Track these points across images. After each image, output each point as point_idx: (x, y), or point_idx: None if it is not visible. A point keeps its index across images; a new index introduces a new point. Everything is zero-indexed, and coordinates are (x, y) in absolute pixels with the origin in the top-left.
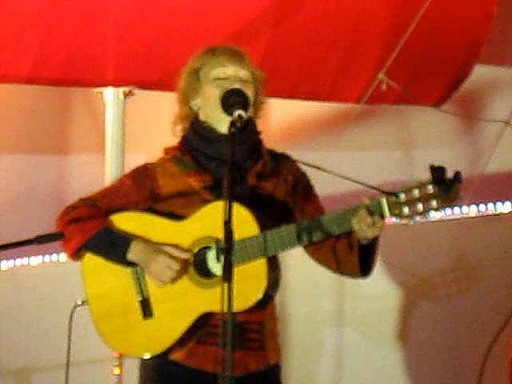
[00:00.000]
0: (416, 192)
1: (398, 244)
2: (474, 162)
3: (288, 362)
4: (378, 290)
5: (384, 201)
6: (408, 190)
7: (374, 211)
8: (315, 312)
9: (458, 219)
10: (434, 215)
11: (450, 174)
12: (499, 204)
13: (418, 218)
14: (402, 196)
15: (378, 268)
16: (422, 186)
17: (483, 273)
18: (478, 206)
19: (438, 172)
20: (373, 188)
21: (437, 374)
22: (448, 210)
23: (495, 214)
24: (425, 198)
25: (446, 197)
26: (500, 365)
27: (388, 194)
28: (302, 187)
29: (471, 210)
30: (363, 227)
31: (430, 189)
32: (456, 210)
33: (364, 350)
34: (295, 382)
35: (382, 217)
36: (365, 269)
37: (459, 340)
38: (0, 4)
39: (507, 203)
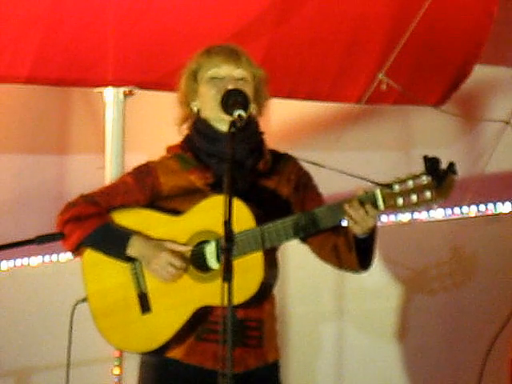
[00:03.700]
0: (410, 183)
1: (398, 244)
2: (474, 162)
3: (288, 360)
4: (378, 287)
5: (378, 192)
6: (402, 181)
7: (367, 202)
8: (315, 309)
9: (458, 219)
10: (436, 214)
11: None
12: (499, 204)
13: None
14: (396, 187)
15: (379, 266)
16: (415, 177)
17: (483, 272)
18: (477, 206)
19: (431, 163)
20: (367, 180)
21: (437, 374)
22: (448, 210)
23: (495, 214)
24: (419, 189)
25: (440, 188)
26: (500, 365)
27: (382, 185)
28: (304, 186)
29: (471, 210)
30: (356, 219)
31: (424, 179)
32: (456, 210)
33: (364, 346)
34: (296, 380)
35: (376, 207)
36: (364, 263)
37: (459, 341)
38: (0, 4)
39: (507, 203)
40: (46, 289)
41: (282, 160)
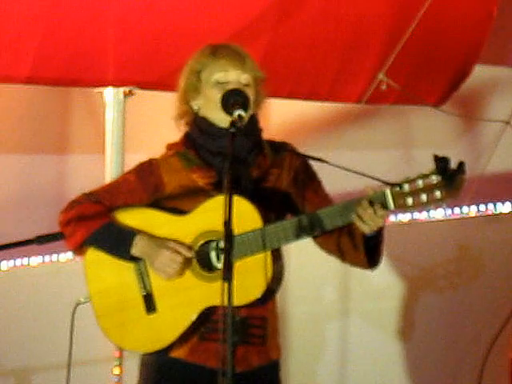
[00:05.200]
0: (420, 182)
1: (398, 245)
2: (474, 162)
3: (292, 360)
4: (383, 286)
5: (388, 192)
6: (412, 181)
7: (377, 202)
8: (319, 309)
9: (459, 219)
10: (436, 214)
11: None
12: (499, 204)
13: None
14: (406, 186)
15: (384, 266)
16: (425, 176)
17: (484, 273)
18: (478, 206)
19: (441, 162)
20: (376, 179)
21: (437, 374)
22: (448, 210)
23: (495, 214)
24: (429, 189)
25: (449, 187)
26: (500, 365)
27: (392, 184)
28: (304, 175)
29: (471, 210)
30: (365, 218)
31: (434, 179)
32: (456, 210)
33: (368, 346)
34: (298, 379)
35: (385, 207)
36: (371, 261)
37: (459, 341)
38: (0, 4)
39: (507, 203)
40: (46, 289)
41: (280, 151)
